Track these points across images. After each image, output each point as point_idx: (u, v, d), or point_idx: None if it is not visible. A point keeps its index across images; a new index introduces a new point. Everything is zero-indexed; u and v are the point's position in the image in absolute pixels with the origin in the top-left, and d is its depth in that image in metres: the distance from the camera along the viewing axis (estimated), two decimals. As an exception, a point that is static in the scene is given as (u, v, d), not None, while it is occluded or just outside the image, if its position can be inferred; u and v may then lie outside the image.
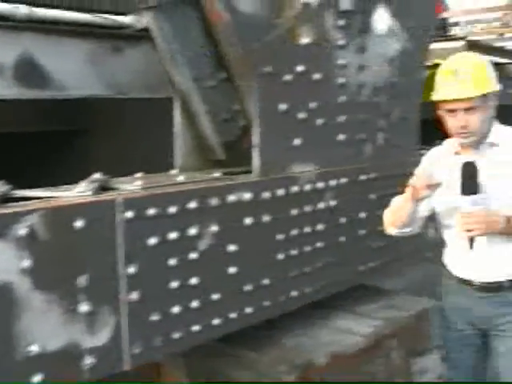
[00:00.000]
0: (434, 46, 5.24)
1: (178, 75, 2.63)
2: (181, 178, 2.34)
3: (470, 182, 2.27)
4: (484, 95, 2.30)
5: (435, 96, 2.35)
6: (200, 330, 2.27)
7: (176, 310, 2.19)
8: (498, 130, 2.41)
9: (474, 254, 2.35)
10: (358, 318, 2.99)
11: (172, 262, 2.16)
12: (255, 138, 2.42)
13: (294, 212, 2.56)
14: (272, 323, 2.71)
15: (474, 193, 2.26)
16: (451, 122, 2.35)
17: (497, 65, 7.81)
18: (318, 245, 2.70)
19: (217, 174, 2.45)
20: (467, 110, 2.30)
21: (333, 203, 2.73)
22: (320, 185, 2.66)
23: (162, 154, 2.87)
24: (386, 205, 3.02)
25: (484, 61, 2.40)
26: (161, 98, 2.97)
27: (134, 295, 2.08)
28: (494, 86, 2.35)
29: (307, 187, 2.60)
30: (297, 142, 2.56)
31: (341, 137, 2.77)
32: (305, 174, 2.59)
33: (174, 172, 2.53)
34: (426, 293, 3.65)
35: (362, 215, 2.92)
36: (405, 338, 3.00)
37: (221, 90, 2.75)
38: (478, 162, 2.33)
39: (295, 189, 2.54)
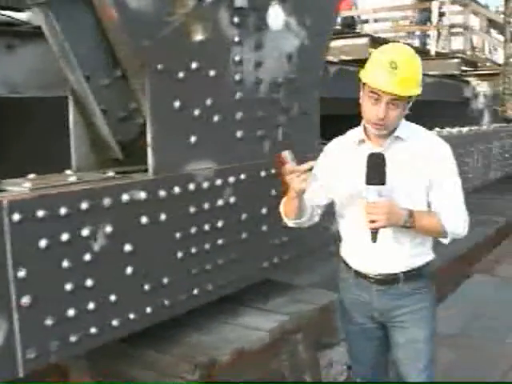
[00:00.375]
0: (339, 42, 5.38)
1: (71, 74, 2.57)
2: (73, 178, 2.29)
3: (376, 172, 2.24)
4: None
5: (368, 78, 2.28)
6: (98, 332, 2.23)
7: (72, 312, 2.15)
8: (406, 126, 2.42)
9: (370, 246, 2.34)
10: (265, 314, 3.01)
11: (65, 264, 2.12)
12: (149, 136, 2.39)
13: (192, 210, 2.54)
14: (176, 321, 2.69)
15: (380, 183, 2.23)
16: (370, 110, 2.31)
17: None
18: (219, 242, 2.70)
19: (111, 174, 2.41)
20: (391, 103, 2.27)
21: (232, 200, 2.73)
22: (218, 182, 2.66)
23: (60, 154, 2.80)
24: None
25: (419, 61, 2.36)
26: (57, 96, 2.89)
27: (26, 299, 2.02)
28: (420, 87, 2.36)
29: (205, 184, 2.59)
30: (193, 139, 2.55)
31: (239, 133, 2.78)
32: (202, 171, 2.59)
33: (68, 172, 2.47)
34: (333, 287, 3.72)
35: (264, 211, 2.94)
36: (311, 332, 3.04)
37: (116, 88, 2.70)
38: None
39: (192, 186, 2.53)
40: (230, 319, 2.88)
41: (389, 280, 2.47)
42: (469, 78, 9.23)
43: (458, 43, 13.30)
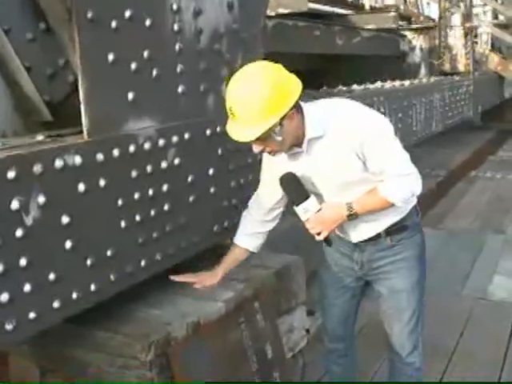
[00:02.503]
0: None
1: (-12, 29, 2.28)
2: (-5, 144, 2.02)
3: (293, 192, 2.28)
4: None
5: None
6: (37, 317, 1.99)
7: (5, 297, 1.89)
8: (316, 119, 2.20)
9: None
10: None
11: (-9, 242, 1.86)
12: (82, 94, 2.13)
13: (134, 174, 2.30)
14: (125, 296, 2.47)
15: (304, 200, 2.26)
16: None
17: (339, 16, 7.93)
18: (166, 207, 2.47)
19: (40, 137, 2.14)
20: (258, 142, 2.14)
21: (177, 161, 2.51)
22: (161, 142, 2.42)
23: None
24: (235, 159, 2.87)
25: (266, 87, 2.03)
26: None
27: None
28: (284, 108, 2.07)
29: (146, 145, 2.35)
30: (131, 95, 2.29)
31: (181, 88, 2.54)
32: (143, 130, 2.34)
33: (-6, 140, 2.19)
34: (288, 249, 3.56)
35: (211, 172, 2.72)
36: (268, 299, 2.86)
37: (42, 43, 2.43)
38: (306, 161, 2.26)
39: (133, 148, 2.29)
40: (183, 291, 2.68)
41: (370, 239, 2.44)
42: (404, 32, 9.17)
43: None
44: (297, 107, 2.14)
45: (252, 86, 2.04)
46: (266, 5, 3.27)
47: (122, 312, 2.50)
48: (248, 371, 2.63)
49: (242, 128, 2.08)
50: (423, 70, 9.20)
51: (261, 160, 2.48)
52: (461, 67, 9.23)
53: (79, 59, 2.10)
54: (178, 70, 2.52)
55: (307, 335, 3.23)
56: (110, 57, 2.19)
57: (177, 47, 2.50)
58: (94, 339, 2.38)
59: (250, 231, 2.53)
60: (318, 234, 2.30)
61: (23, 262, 1.93)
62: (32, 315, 1.97)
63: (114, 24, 2.20)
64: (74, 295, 2.11)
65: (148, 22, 2.34)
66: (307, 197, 2.26)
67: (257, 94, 2.02)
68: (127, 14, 2.25)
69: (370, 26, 7.79)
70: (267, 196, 2.46)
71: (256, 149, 2.18)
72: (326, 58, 7.44)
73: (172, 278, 2.52)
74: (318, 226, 2.26)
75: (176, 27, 2.48)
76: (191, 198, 2.63)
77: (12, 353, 2.76)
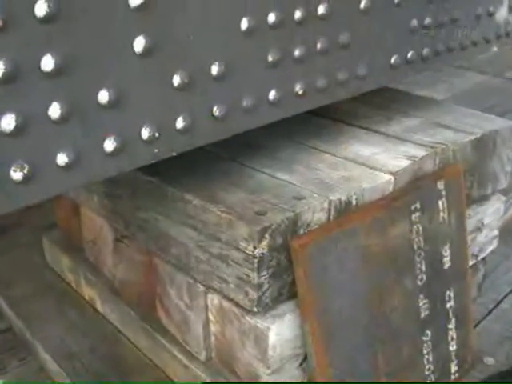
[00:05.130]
0: None
1: None
2: None
3: None
4: None
5: None
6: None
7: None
8: None
9: None
10: (386, 143, 1.82)
11: None
12: None
13: None
14: (235, 142, 1.56)
15: None
16: None
17: None
18: (321, 8, 1.45)
19: None
20: None
21: None
22: None
23: None
24: None
25: None
26: None
27: None
28: None
29: None
30: None
31: None
32: None
33: None
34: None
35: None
36: (457, 178, 1.84)
37: None
38: None
39: None
40: (331, 147, 1.72)
41: None
42: None
43: None
44: None
45: None
46: None
47: (231, 169, 1.59)
48: (411, 285, 1.69)
49: None
50: None
51: None
52: None
53: None
54: None
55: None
56: None
57: None
58: (182, 205, 1.50)
59: None
60: None
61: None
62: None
63: None
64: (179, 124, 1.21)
65: None
66: None
67: None
68: None
69: None
70: None
71: None
72: None
73: None
74: None
75: None
76: (363, 3, 1.58)
77: (82, 204, 1.98)
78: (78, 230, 2.08)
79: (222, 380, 1.59)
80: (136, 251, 1.78)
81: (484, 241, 2.13)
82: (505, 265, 2.37)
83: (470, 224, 2.00)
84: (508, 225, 2.28)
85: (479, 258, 2.16)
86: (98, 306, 2.04)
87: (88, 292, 2.07)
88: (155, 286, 1.74)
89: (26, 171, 0.98)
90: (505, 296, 2.33)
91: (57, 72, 0.99)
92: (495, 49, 2.22)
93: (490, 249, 2.19)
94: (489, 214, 2.11)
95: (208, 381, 1.61)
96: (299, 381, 1.54)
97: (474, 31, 2.08)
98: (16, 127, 0.96)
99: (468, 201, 1.95)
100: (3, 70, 0.92)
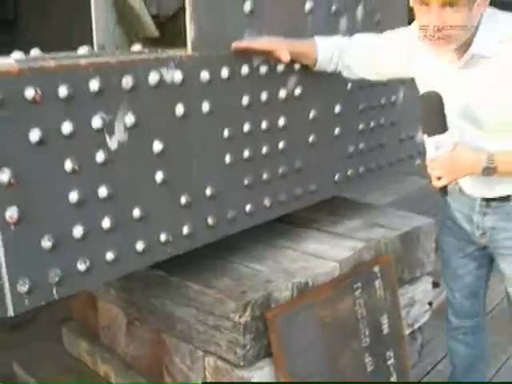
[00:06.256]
0: None
1: None
2: (81, 51, 1.68)
3: (430, 120, 1.75)
4: None
5: None
6: (115, 259, 1.67)
7: (78, 231, 1.58)
8: (489, 33, 1.69)
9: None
10: (334, 240, 2.41)
11: (68, 165, 1.54)
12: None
13: (246, 100, 1.92)
14: (222, 245, 2.14)
15: (437, 133, 1.73)
16: (421, 20, 1.67)
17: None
18: (280, 145, 2.08)
19: (136, 48, 1.80)
20: (446, 4, 1.60)
21: (298, 91, 2.10)
22: (280, 67, 2.02)
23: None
24: (366, 98, 2.43)
25: None
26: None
27: (11, 212, 1.45)
28: None
29: (263, 69, 1.96)
30: (248, 5, 1.89)
31: (308, 4, 2.11)
32: (258, 48, 1.94)
33: (84, 48, 1.85)
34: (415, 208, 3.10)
35: (337, 109, 2.30)
36: (390, 263, 2.43)
37: None
38: (458, 78, 1.77)
39: (246, 70, 1.90)
40: (291, 244, 2.30)
41: (496, 199, 1.93)
42: None
43: None
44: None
45: None
46: None
47: (218, 264, 2.16)
48: (358, 347, 2.23)
49: None
50: None
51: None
52: None
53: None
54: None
55: (430, 310, 2.79)
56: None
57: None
58: (185, 291, 2.06)
59: (331, 45, 2.08)
60: (439, 178, 1.80)
61: (103, 192, 1.61)
62: (109, 256, 1.66)
63: None
64: (163, 237, 1.78)
65: None
66: (445, 130, 1.74)
67: None
68: None
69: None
70: (380, 59, 2.05)
71: (436, 20, 1.62)
72: None
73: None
74: (442, 169, 1.77)
75: None
76: (311, 138, 2.22)
77: (100, 298, 2.51)
78: (94, 319, 2.58)
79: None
80: (146, 331, 2.30)
81: (417, 314, 2.70)
82: (440, 336, 2.90)
83: (404, 300, 2.58)
84: (442, 305, 2.81)
85: (415, 328, 2.71)
86: (112, 379, 2.52)
87: (104, 368, 2.55)
88: (162, 357, 2.25)
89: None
90: (440, 360, 2.87)
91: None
92: (418, 162, 2.87)
93: (423, 320, 2.75)
94: (419, 292, 2.69)
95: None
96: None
97: (399, 151, 2.72)
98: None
99: (400, 282, 2.54)
100: None
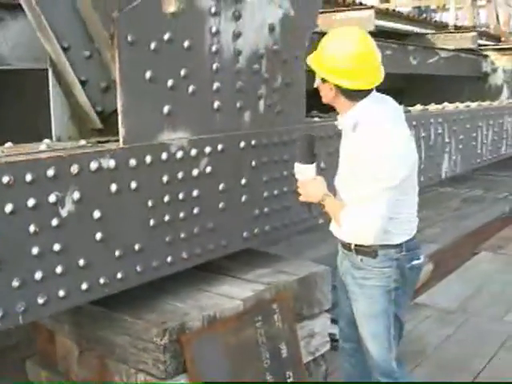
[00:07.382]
0: (341, 15, 5.35)
1: (48, 45, 2.62)
2: (43, 147, 2.35)
3: (303, 151, 2.51)
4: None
5: None
6: (65, 295, 2.31)
7: (38, 275, 2.22)
8: (362, 113, 2.41)
9: None
10: (242, 283, 3.06)
11: (32, 228, 2.19)
12: (120, 107, 2.44)
13: (165, 178, 2.59)
14: (154, 286, 2.77)
15: (307, 162, 2.49)
16: None
17: (416, 35, 7.99)
18: (195, 211, 2.75)
19: (82, 143, 2.47)
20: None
21: (209, 169, 2.78)
22: (194, 151, 2.70)
23: (47, 125, 2.87)
24: (269, 171, 3.10)
25: (354, 57, 2.34)
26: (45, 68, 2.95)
27: (-9, 262, 2.10)
28: (342, 80, 2.37)
29: (179, 154, 2.64)
30: (166, 109, 2.59)
31: (216, 104, 2.81)
32: (176, 141, 2.63)
33: (45, 142, 2.52)
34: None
35: (243, 181, 2.98)
36: (287, 302, 3.07)
37: (97, 60, 2.76)
38: (343, 144, 2.56)
39: (165, 156, 2.58)
40: (206, 287, 2.95)
41: (345, 245, 2.61)
42: (488, 53, 9.07)
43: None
44: (351, 96, 2.40)
45: (348, 45, 2.37)
46: (313, 25, 3.48)
47: (149, 301, 2.79)
48: (259, 367, 2.86)
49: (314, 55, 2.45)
50: (505, 92, 9.08)
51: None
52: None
53: (118, 76, 2.41)
54: (215, 87, 2.79)
55: (331, 342, 3.41)
56: (148, 74, 2.49)
57: (214, 66, 2.77)
58: (121, 323, 2.68)
59: None
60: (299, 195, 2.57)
61: (57, 247, 2.26)
62: (61, 293, 2.29)
63: (152, 45, 2.50)
64: (101, 280, 2.42)
65: (186, 44, 2.63)
66: (312, 162, 2.49)
67: (345, 51, 2.35)
68: (166, 36, 2.54)
69: (447, 46, 7.80)
70: None
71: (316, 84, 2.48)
72: (407, 78, 7.51)
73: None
74: (302, 189, 2.54)
75: (214, 48, 2.76)
76: (221, 205, 2.89)
77: (58, 333, 3.11)
78: (53, 351, 3.18)
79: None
80: (94, 357, 2.91)
81: (318, 343, 3.33)
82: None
83: (305, 332, 3.22)
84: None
85: (317, 355, 3.34)
86: (67, 400, 3.11)
87: (60, 392, 3.14)
88: (106, 377, 2.85)
89: (49, 301, 2.17)
90: None
91: None
92: (321, 221, 3.53)
93: (324, 349, 3.38)
94: (318, 326, 3.33)
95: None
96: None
97: (303, 212, 3.40)
98: (46, 281, 2.16)
99: (300, 317, 3.19)
100: None
